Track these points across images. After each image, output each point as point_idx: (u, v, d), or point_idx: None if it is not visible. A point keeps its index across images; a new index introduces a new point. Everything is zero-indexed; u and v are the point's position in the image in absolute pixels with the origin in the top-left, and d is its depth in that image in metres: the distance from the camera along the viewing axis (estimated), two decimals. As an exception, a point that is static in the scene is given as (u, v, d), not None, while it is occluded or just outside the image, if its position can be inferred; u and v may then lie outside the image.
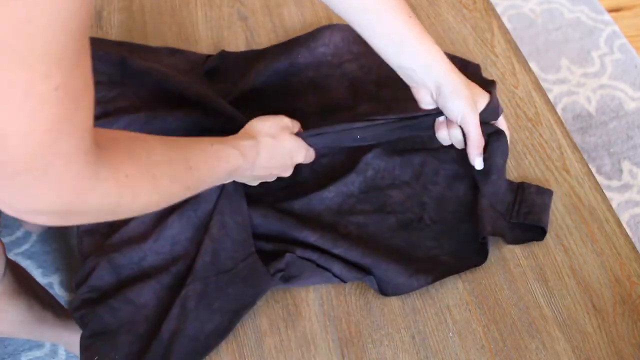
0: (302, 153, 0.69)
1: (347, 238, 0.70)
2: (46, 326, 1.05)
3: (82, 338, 0.64)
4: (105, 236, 0.70)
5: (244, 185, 0.71)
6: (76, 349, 1.16)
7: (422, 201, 0.73)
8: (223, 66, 0.85)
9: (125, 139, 0.49)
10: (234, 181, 0.69)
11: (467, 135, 0.67)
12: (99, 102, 0.74)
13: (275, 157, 0.67)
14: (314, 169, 0.76)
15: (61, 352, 1.23)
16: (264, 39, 0.91)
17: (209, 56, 0.87)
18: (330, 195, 0.73)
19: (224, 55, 0.86)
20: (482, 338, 0.65)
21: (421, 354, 0.64)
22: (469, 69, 0.85)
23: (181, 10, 0.94)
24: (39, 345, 1.23)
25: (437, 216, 0.72)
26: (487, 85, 0.71)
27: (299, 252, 0.67)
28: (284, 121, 0.69)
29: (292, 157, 0.69)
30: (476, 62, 0.87)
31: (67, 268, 1.33)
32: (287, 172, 0.70)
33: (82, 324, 0.65)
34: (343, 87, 0.83)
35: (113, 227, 0.71)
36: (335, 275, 0.67)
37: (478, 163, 0.69)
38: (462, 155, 0.71)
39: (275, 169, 0.68)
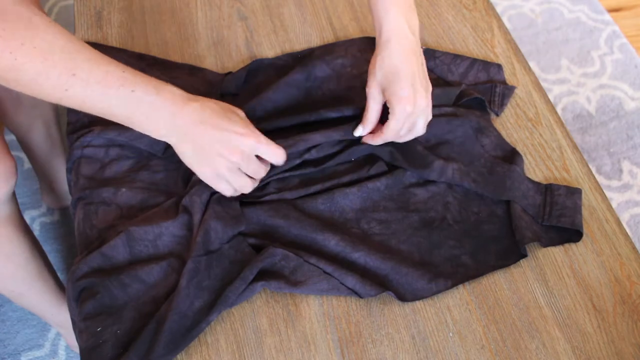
0: (252, 138, 0.64)
1: (368, 240, 0.70)
2: (45, 289, 1.03)
3: (87, 307, 0.65)
4: (120, 209, 0.72)
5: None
6: (70, 333, 1.16)
7: (446, 201, 0.74)
8: (237, 87, 0.84)
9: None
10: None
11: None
12: None
13: (212, 118, 0.62)
14: (338, 164, 0.76)
15: (61, 352, 1.24)
16: (264, 39, 0.91)
17: (227, 74, 0.86)
18: (354, 189, 0.73)
19: (235, 77, 0.85)
20: (482, 338, 0.65)
21: (421, 354, 0.64)
22: (491, 71, 0.85)
23: (181, 10, 0.94)
24: (38, 345, 1.23)
25: (460, 217, 0.73)
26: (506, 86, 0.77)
27: (313, 260, 0.67)
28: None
29: (238, 132, 0.63)
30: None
31: (67, 268, 1.33)
32: (242, 159, 0.64)
33: (89, 294, 0.65)
34: (365, 99, 0.82)
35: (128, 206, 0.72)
36: (349, 288, 0.66)
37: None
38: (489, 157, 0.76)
39: (220, 143, 0.62)
